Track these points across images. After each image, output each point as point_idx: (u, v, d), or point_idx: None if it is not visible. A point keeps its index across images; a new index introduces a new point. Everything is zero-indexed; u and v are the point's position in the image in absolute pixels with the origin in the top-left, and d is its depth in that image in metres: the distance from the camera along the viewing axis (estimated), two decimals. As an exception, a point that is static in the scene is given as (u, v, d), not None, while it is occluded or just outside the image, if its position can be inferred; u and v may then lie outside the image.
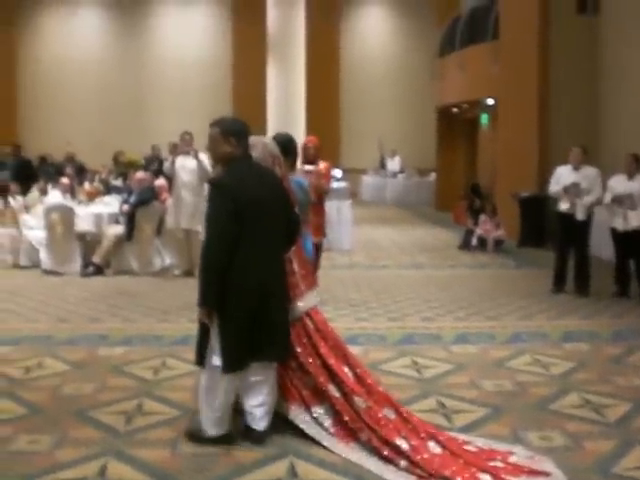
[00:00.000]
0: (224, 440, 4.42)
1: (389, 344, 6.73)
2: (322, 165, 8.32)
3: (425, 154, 21.93)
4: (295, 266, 4.66)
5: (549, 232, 11.97)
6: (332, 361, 4.46)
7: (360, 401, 4.31)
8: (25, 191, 13.02)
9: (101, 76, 23.33)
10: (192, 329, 6.85)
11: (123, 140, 19.70)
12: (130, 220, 10.49)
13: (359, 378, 4.48)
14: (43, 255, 10.71)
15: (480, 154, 19.14)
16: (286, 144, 5.55)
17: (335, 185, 13.08)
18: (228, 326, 4.25)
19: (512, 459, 4.08)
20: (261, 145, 4.68)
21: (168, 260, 10.76)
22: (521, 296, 8.96)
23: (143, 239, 10.52)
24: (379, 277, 10.33)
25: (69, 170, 14.03)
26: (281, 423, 4.55)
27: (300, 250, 4.81)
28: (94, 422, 4.81)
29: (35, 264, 10.86)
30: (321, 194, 8.33)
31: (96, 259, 10.49)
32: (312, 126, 22.03)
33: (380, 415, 4.27)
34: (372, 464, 4.07)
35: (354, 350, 6.22)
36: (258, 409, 4.41)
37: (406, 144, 23.09)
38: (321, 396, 4.43)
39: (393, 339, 6.91)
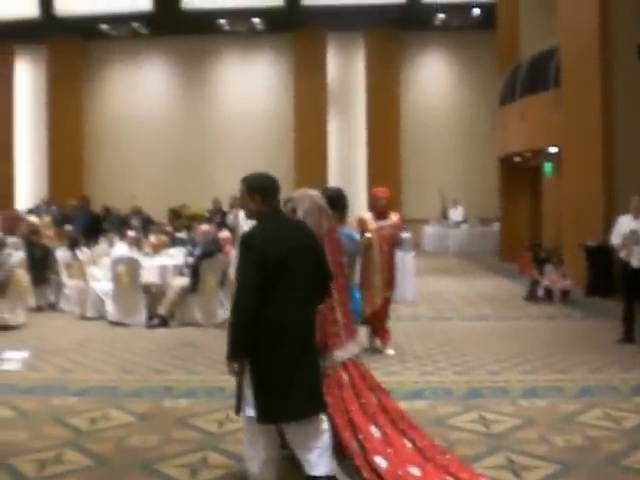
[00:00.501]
0: None
1: (455, 398, 6.62)
2: (395, 217, 8.40)
3: (487, 203, 21.76)
4: (338, 315, 4.72)
5: (617, 281, 11.70)
6: (359, 419, 4.49)
7: (381, 460, 4.31)
8: (92, 243, 13.30)
9: (165, 130, 23.87)
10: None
11: (186, 193, 20.09)
12: (195, 272, 10.62)
13: (387, 438, 4.48)
14: (109, 306, 10.89)
15: (544, 203, 18.91)
16: (334, 197, 5.65)
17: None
18: (261, 378, 4.28)
19: None
20: (308, 198, 4.83)
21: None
22: (589, 348, 8.75)
23: (207, 291, 10.62)
24: (443, 329, 10.21)
25: (135, 222, 14.31)
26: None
27: (345, 299, 4.85)
28: (159, 475, 4.83)
29: (101, 315, 11.06)
30: (393, 246, 8.36)
31: (161, 311, 10.62)
32: (373, 176, 22.18)
33: (400, 473, 4.26)
34: None
35: (419, 405, 6.23)
36: (311, 454, 4.34)
37: (468, 193, 22.97)
38: (345, 450, 4.44)
39: (459, 393, 6.79)
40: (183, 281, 10.72)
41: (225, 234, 11.70)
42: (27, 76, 24.49)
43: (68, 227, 14.15)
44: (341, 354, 4.64)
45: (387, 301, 8.59)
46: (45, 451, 5.33)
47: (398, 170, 23.01)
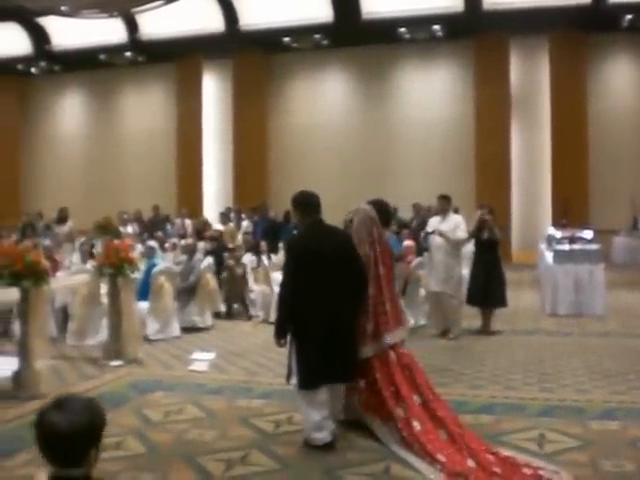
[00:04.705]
0: (327, 447, 5.41)
1: (650, 419, 6.17)
2: None
3: (683, 213, 20.39)
4: (387, 307, 5.80)
5: None
6: (404, 389, 5.57)
7: (417, 424, 5.38)
8: (272, 250, 13.64)
9: (344, 139, 24.05)
10: (442, 394, 6.74)
11: (364, 200, 20.21)
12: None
13: (424, 403, 5.54)
14: (291, 312, 11.08)
15: None
16: (377, 207, 6.40)
17: (586, 247, 12.49)
18: (302, 353, 5.44)
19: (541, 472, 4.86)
20: (362, 211, 6.08)
21: (412, 320, 10.76)
22: None
23: (388, 299, 10.59)
24: (636, 346, 9.57)
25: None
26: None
27: (393, 293, 5.97)
28: (342, 481, 4.81)
29: (284, 320, 11.25)
30: None
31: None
32: (558, 184, 21.37)
33: (431, 436, 5.29)
34: (421, 467, 5.08)
35: (611, 425, 5.96)
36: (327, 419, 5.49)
37: (661, 203, 21.55)
38: (390, 414, 5.52)
39: (655, 414, 6.33)
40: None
41: (408, 243, 11.63)
42: (214, 89, 25.50)
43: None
44: (389, 338, 5.73)
45: None
46: (232, 451, 5.49)
47: (585, 179, 21.96)
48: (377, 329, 5.74)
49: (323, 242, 5.55)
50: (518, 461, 5.06)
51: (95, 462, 2.36)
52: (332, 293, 5.44)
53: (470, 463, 5.01)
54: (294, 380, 5.50)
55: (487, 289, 10.31)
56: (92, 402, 2.43)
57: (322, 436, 5.42)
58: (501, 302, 10.51)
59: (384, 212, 6.53)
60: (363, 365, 5.72)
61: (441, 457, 5.08)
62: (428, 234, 10.26)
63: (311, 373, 5.39)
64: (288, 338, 5.58)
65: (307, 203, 5.76)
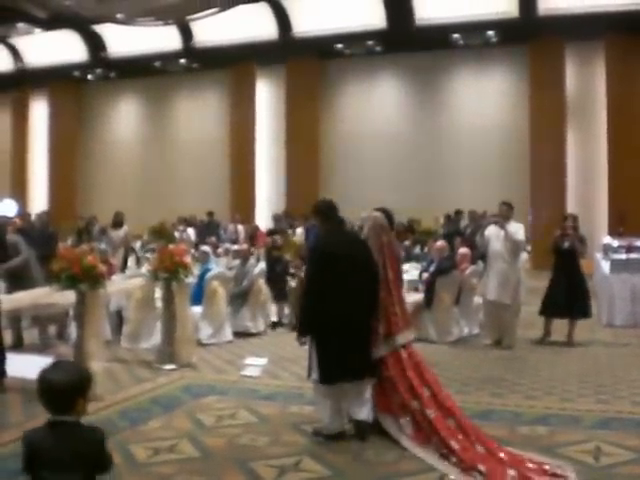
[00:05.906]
0: (338, 437, 5.82)
1: None
2: None
3: None
4: (397, 309, 6.07)
5: None
6: (415, 382, 5.85)
7: (430, 413, 5.66)
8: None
9: (398, 144, 23.87)
10: (493, 404, 6.66)
11: (419, 207, 20.08)
12: (429, 289, 10.50)
13: (433, 395, 5.81)
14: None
15: None
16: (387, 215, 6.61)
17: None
18: (322, 349, 5.79)
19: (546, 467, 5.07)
20: (372, 218, 6.28)
21: (466, 329, 10.64)
22: None
23: (442, 308, 10.45)
24: None
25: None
26: None
27: (402, 296, 6.32)
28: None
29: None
30: None
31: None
32: (615, 192, 20.93)
33: (443, 423, 5.58)
34: (433, 461, 5.32)
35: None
36: (356, 406, 5.92)
37: None
38: (406, 409, 5.79)
39: None
40: (417, 297, 10.62)
41: (463, 250, 11.47)
42: (267, 95, 25.58)
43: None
44: (400, 338, 6.00)
45: None
46: (284, 457, 5.48)
47: (642, 186, 21.49)
48: (389, 330, 6.00)
49: (342, 246, 5.97)
50: (522, 455, 5.29)
51: (83, 411, 3.03)
52: (349, 294, 5.79)
53: (479, 449, 5.31)
54: (314, 375, 5.85)
55: (570, 299, 10.13)
56: (80, 366, 3.33)
57: (335, 426, 5.85)
58: (585, 313, 10.33)
59: (388, 219, 6.65)
60: (376, 365, 6.00)
61: (454, 444, 5.34)
62: (489, 223, 10.17)
63: (330, 369, 5.75)
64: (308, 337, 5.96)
65: (328, 210, 6.17)
